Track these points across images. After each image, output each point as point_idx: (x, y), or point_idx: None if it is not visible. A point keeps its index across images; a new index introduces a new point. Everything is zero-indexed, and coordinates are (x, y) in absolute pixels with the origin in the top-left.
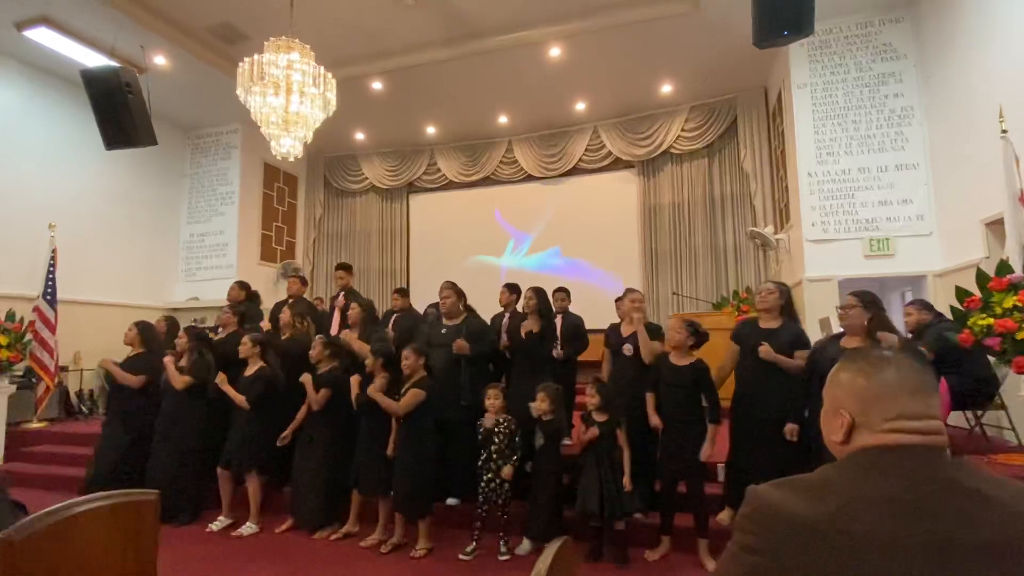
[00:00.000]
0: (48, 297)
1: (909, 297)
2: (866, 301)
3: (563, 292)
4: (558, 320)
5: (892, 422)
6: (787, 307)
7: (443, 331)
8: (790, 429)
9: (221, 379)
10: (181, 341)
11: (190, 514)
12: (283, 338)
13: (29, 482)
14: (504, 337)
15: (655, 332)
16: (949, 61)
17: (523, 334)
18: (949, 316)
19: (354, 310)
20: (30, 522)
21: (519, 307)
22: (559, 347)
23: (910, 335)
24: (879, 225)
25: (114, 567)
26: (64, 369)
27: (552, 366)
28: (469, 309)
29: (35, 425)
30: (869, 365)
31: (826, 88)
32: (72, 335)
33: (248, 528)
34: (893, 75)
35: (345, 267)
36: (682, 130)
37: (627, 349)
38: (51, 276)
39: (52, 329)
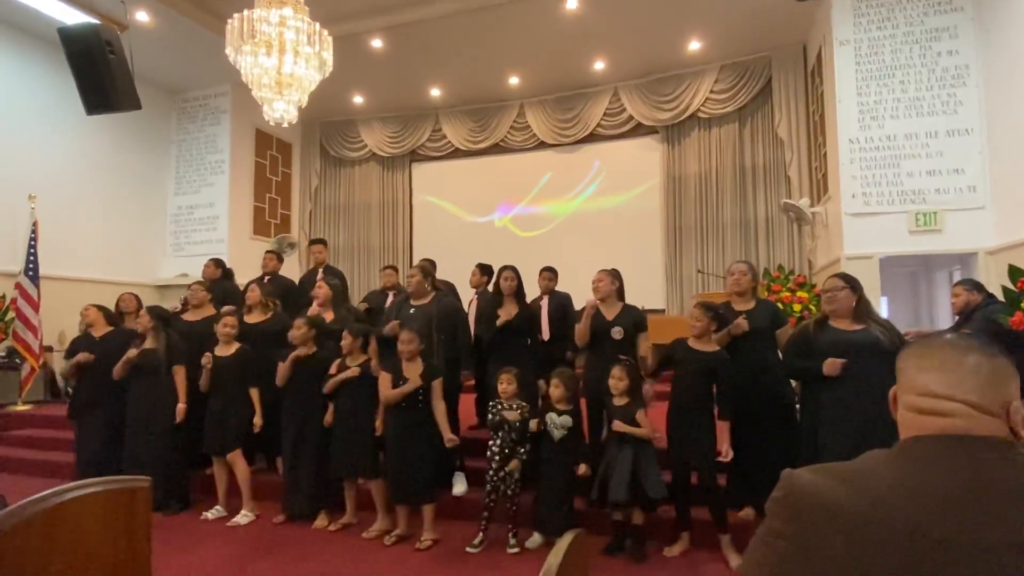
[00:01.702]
0: (30, 273)
1: (957, 276)
2: (852, 283)
3: (550, 271)
4: (544, 302)
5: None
6: (755, 288)
7: (411, 311)
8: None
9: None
10: (143, 320)
11: (180, 502)
12: (248, 317)
13: (14, 467)
14: (472, 324)
15: (637, 318)
16: (1011, 14)
17: (499, 323)
18: (1000, 297)
19: (321, 288)
20: (18, 509)
21: (495, 287)
22: (546, 334)
23: (957, 317)
24: (926, 197)
25: (106, 557)
26: (49, 349)
27: (536, 351)
28: (439, 288)
29: (20, 408)
30: (937, 350)
31: (871, 45)
32: (56, 314)
33: (244, 516)
34: (947, 30)
35: (321, 242)
36: (711, 92)
37: (616, 332)
38: (32, 251)
39: (35, 307)
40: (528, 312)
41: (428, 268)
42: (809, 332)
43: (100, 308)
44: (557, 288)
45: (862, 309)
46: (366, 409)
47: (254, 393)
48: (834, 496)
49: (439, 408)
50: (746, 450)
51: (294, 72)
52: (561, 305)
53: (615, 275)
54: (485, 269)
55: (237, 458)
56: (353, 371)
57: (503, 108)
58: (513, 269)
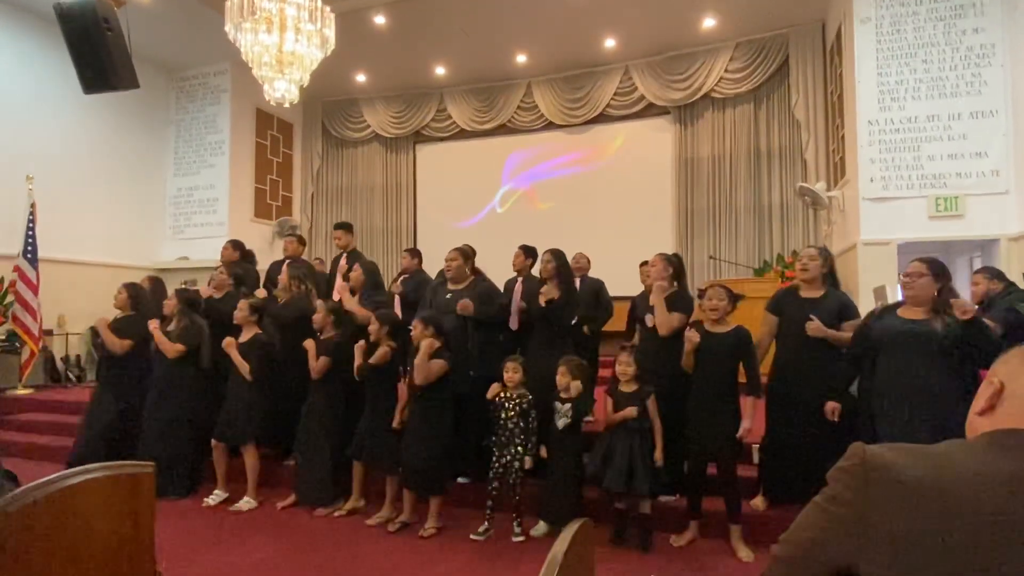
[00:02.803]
0: (29, 255)
1: (978, 264)
2: (936, 270)
3: (583, 255)
4: (577, 286)
5: None
6: (830, 274)
7: (448, 296)
8: (831, 408)
9: (229, 343)
10: (170, 304)
11: (186, 488)
12: (280, 302)
13: (14, 451)
14: (515, 305)
15: (685, 303)
16: None
17: (542, 302)
18: (1022, 286)
19: (356, 272)
20: (25, 493)
21: (537, 272)
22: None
23: (977, 307)
24: (947, 181)
25: (110, 541)
26: (48, 333)
27: (574, 337)
28: (477, 273)
29: (20, 392)
30: None
31: (893, 22)
32: (55, 297)
33: (246, 503)
34: (973, 6)
35: (345, 226)
36: (725, 71)
37: (649, 320)
38: (31, 232)
39: (34, 290)
40: (572, 296)
41: (468, 252)
42: (872, 316)
43: (129, 291)
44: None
45: (942, 300)
46: (391, 398)
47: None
48: (908, 471)
49: (424, 360)
50: (785, 441)
51: (295, 50)
52: (593, 291)
53: (669, 260)
54: (529, 251)
55: (251, 450)
56: (383, 352)
57: (510, 87)
58: (552, 252)
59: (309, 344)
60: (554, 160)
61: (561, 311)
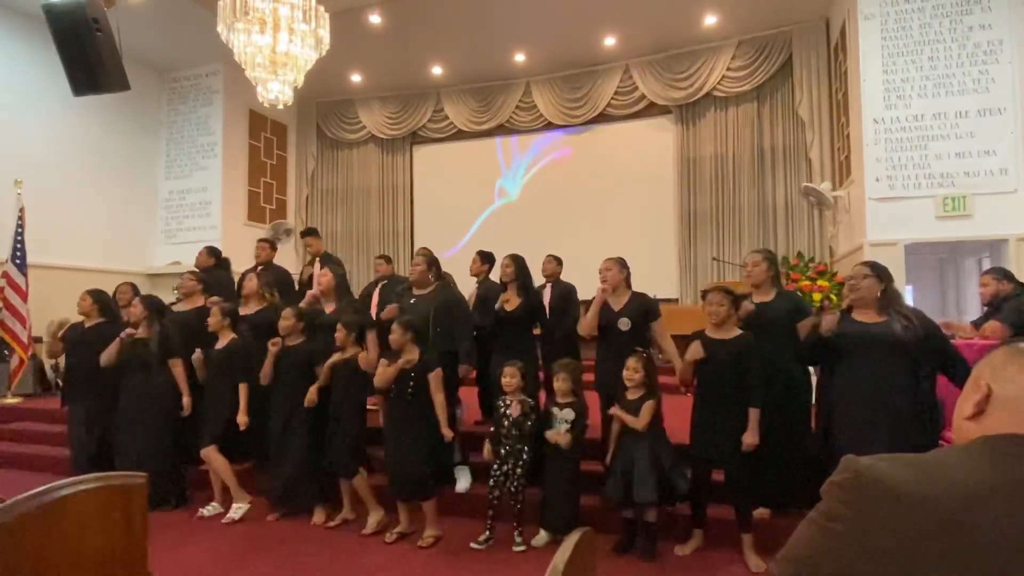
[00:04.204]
0: (17, 261)
1: (987, 264)
2: (879, 272)
3: (554, 258)
4: (547, 290)
5: None
6: (776, 277)
7: (411, 301)
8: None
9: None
10: (136, 310)
11: (177, 499)
12: (244, 308)
13: (3, 462)
14: (476, 315)
15: (646, 307)
16: None
17: (505, 308)
18: None
19: (325, 276)
20: (14, 505)
21: (499, 277)
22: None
23: (985, 308)
24: (955, 180)
25: (102, 553)
26: (38, 340)
27: (542, 343)
28: (442, 278)
29: (9, 401)
30: None
31: (899, 18)
32: (44, 303)
33: (237, 510)
34: (979, 3)
35: (311, 232)
36: (728, 69)
37: (623, 324)
38: (19, 238)
39: (23, 296)
40: (532, 301)
41: (433, 257)
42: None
43: (95, 297)
44: (562, 277)
45: (887, 299)
46: (352, 404)
47: (242, 389)
48: (904, 483)
49: (438, 400)
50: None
51: (289, 51)
52: (562, 295)
53: (623, 263)
54: (486, 257)
55: (211, 454)
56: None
57: (508, 87)
58: (511, 257)
59: (265, 373)
60: (553, 161)
61: (524, 318)
